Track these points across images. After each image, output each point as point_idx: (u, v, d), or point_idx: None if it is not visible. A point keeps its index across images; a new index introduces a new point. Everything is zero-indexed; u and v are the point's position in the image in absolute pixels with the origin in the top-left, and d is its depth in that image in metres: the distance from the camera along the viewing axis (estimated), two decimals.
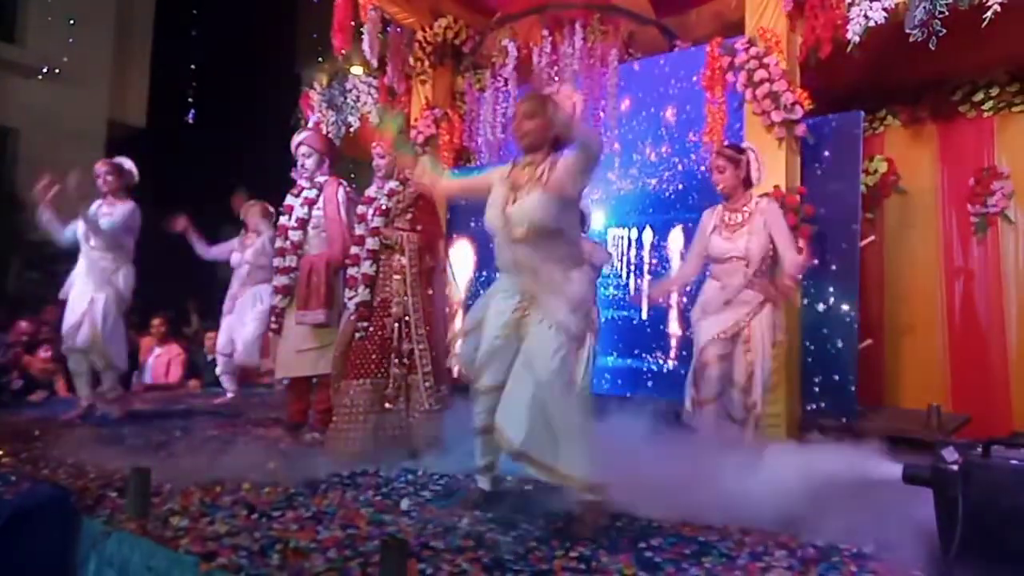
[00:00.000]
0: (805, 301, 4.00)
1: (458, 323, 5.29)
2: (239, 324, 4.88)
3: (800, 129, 3.92)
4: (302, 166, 3.82)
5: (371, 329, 3.23)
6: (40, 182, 3.96)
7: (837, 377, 3.90)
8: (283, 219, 3.81)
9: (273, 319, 3.76)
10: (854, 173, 4.01)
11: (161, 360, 6.39)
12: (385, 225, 3.29)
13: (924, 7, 3.38)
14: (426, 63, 5.66)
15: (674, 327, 4.51)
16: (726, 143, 3.75)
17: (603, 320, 4.56)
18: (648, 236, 4.75)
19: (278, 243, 3.79)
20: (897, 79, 4.56)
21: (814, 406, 3.94)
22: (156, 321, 6.29)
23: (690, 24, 4.99)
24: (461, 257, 5.51)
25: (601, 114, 4.80)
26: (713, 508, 2.29)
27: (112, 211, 4.15)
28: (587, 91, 4.72)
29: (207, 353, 6.48)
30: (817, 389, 3.96)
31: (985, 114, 4.59)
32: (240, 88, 11.32)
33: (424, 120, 5.60)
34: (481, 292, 5.40)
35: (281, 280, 3.70)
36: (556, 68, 4.93)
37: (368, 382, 3.18)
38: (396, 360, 3.20)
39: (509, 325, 2.34)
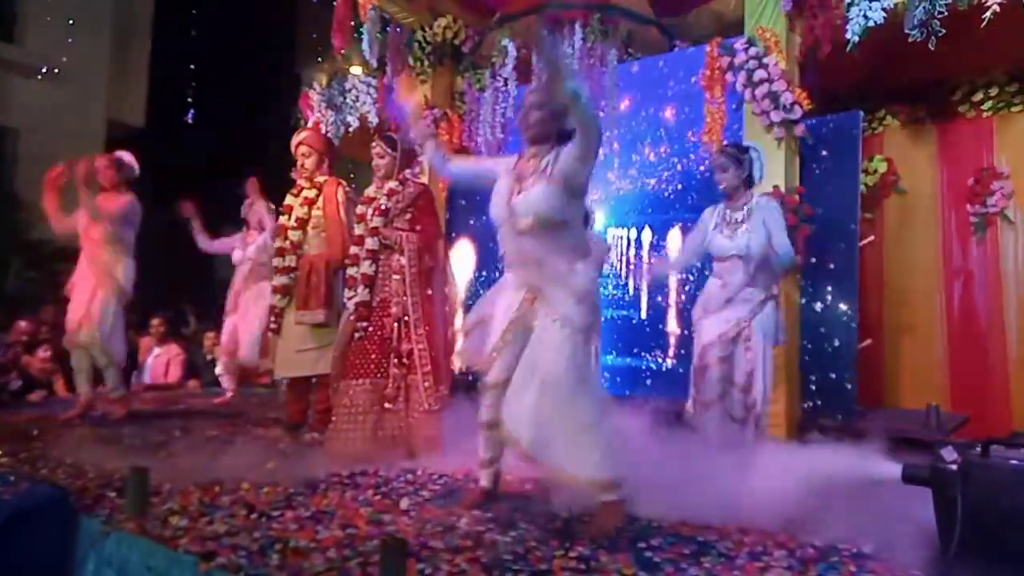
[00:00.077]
0: (803, 300, 4.01)
1: (458, 322, 5.30)
2: (243, 322, 4.85)
3: (799, 129, 3.92)
4: (301, 166, 3.82)
5: (370, 329, 3.23)
6: (52, 170, 4.05)
7: (836, 377, 3.91)
8: (282, 219, 3.81)
9: (272, 319, 3.76)
10: (853, 173, 4.02)
11: (160, 360, 6.39)
12: (384, 225, 3.29)
13: (923, 7, 3.38)
14: (426, 63, 5.66)
15: (673, 326, 4.51)
16: (729, 142, 3.75)
17: (603, 319, 4.56)
18: (647, 236, 4.75)
19: (277, 243, 3.78)
20: (896, 79, 4.56)
21: (813, 405, 3.95)
22: (155, 321, 6.29)
23: (689, 24, 5.00)
24: (461, 257, 5.50)
25: (600, 114, 4.79)
26: (711, 508, 2.29)
27: (111, 202, 4.16)
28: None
29: (206, 353, 6.48)
30: (816, 389, 3.96)
31: (984, 114, 4.60)
32: (239, 88, 11.33)
33: (423, 120, 5.59)
34: (481, 291, 5.45)
35: (280, 280, 3.70)
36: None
37: (367, 382, 3.18)
38: (395, 360, 3.20)
39: (516, 319, 2.34)
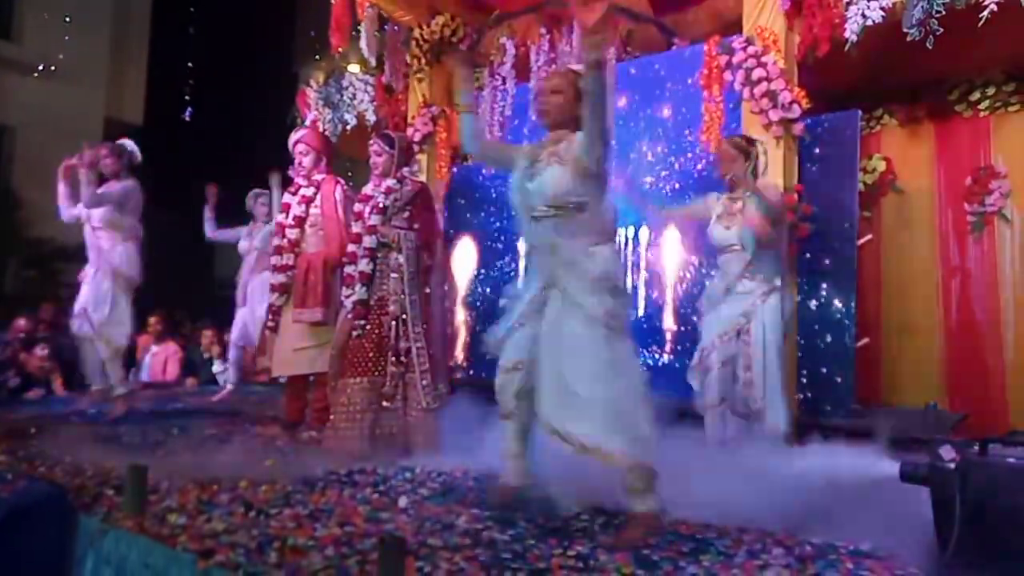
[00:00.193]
0: (800, 299, 4.01)
1: (459, 318, 5.30)
2: (252, 313, 4.83)
3: (797, 128, 3.92)
4: (299, 164, 3.81)
5: (368, 327, 3.23)
6: (67, 160, 4.12)
7: (834, 375, 3.91)
8: (280, 217, 3.81)
9: (270, 317, 3.76)
10: (851, 172, 4.02)
11: (158, 358, 6.38)
12: (382, 223, 3.28)
13: (922, 6, 3.39)
14: (423, 61, 5.65)
15: (669, 322, 4.52)
16: (737, 133, 3.72)
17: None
18: (644, 235, 4.75)
19: (275, 241, 3.78)
20: (894, 78, 4.57)
21: (811, 404, 3.95)
22: (152, 319, 6.29)
23: (688, 22, 4.99)
24: (462, 255, 5.50)
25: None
26: (705, 507, 2.29)
27: (111, 188, 4.15)
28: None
29: (203, 351, 6.48)
30: (814, 387, 3.96)
31: (981, 113, 4.60)
32: (237, 86, 11.32)
33: (421, 118, 5.59)
34: (480, 289, 5.45)
35: (278, 278, 3.70)
36: (554, 66, 4.92)
37: (365, 380, 3.18)
38: (393, 358, 3.20)
39: (532, 303, 2.28)
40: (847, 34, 3.69)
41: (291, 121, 6.29)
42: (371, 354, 3.20)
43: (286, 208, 3.78)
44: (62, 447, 3.19)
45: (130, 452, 3.13)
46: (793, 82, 3.97)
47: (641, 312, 4.69)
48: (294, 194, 3.79)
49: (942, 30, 3.33)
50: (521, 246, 5.28)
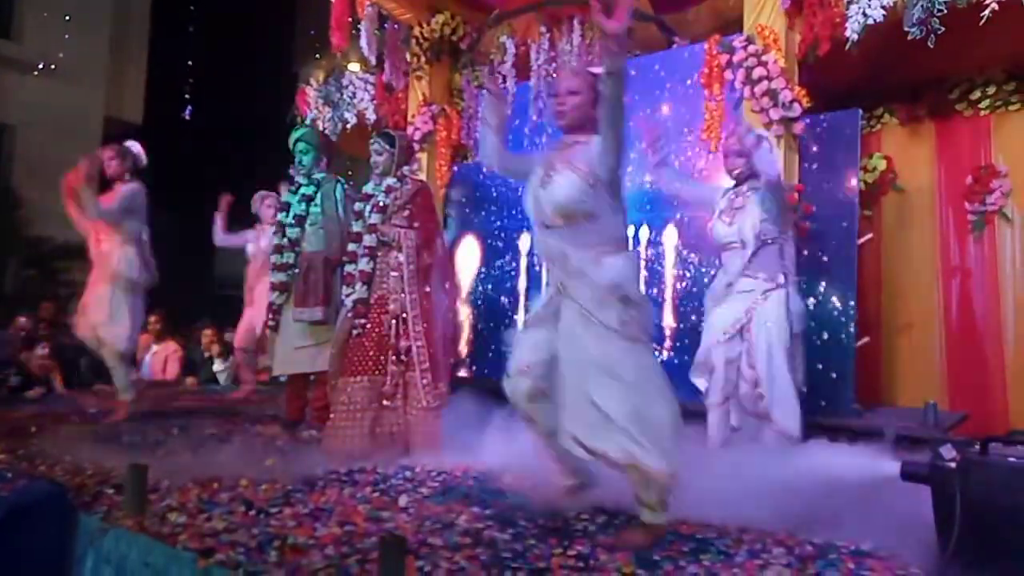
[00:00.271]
0: (800, 298, 4.01)
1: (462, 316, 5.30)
2: (258, 315, 4.81)
3: (798, 127, 3.92)
4: (299, 163, 3.81)
5: (368, 326, 3.23)
6: (68, 177, 4.04)
7: (834, 375, 3.90)
8: (280, 216, 3.80)
9: (270, 316, 3.76)
10: (852, 171, 4.01)
11: (158, 357, 6.38)
12: (382, 222, 3.28)
13: (923, 5, 3.38)
14: (423, 59, 5.64)
15: (669, 319, 4.51)
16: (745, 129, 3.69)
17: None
18: (644, 233, 4.75)
19: (275, 240, 3.78)
20: (895, 77, 4.56)
21: (810, 403, 3.94)
22: (152, 318, 6.28)
23: (688, 21, 4.99)
24: (466, 254, 5.50)
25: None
26: (710, 505, 2.29)
27: (113, 192, 4.12)
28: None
29: (203, 350, 6.48)
30: (814, 386, 3.96)
31: (982, 112, 4.60)
32: (237, 85, 11.31)
33: (422, 117, 5.59)
34: (480, 287, 5.45)
35: (278, 277, 3.70)
36: (554, 65, 4.92)
37: (365, 379, 3.18)
38: (394, 357, 3.20)
39: (545, 307, 2.24)
40: (848, 33, 3.69)
41: (291, 120, 6.28)
42: (371, 353, 3.20)
43: (286, 207, 3.78)
44: (62, 446, 3.19)
45: (130, 451, 3.13)
46: (794, 81, 3.96)
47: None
48: (294, 193, 3.79)
49: (943, 29, 3.32)
50: (523, 245, 5.29)
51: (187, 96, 11.95)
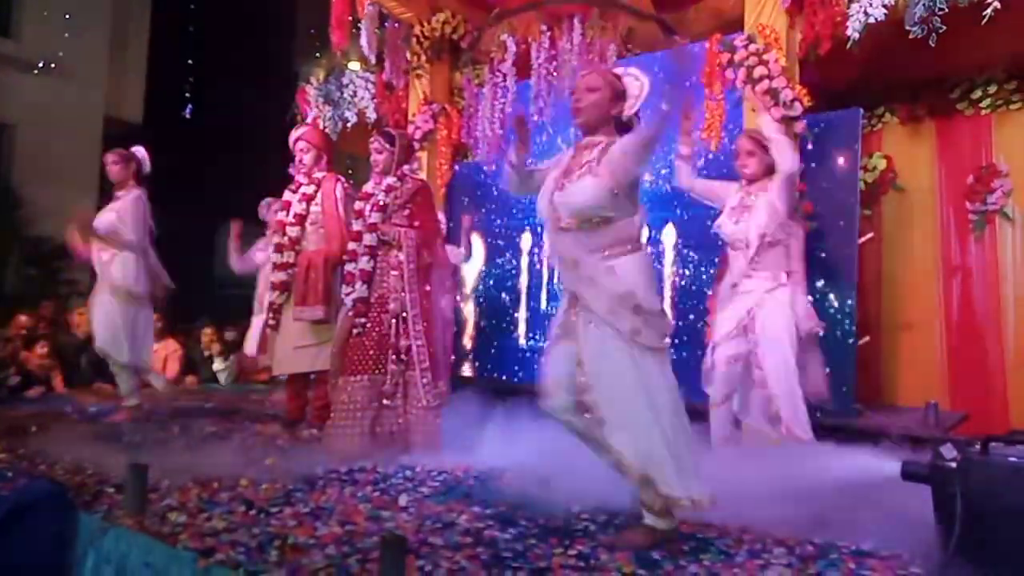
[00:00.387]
0: None
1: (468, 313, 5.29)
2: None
3: (799, 126, 3.91)
4: (300, 161, 3.81)
5: (369, 325, 3.23)
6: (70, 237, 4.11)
7: (834, 374, 3.89)
8: (280, 215, 3.80)
9: (270, 315, 3.75)
10: (852, 170, 4.01)
11: (158, 356, 6.35)
12: (383, 221, 3.28)
13: (924, 4, 3.38)
14: (424, 58, 5.64)
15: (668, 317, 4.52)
16: (755, 129, 3.67)
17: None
18: (644, 232, 4.74)
19: (275, 239, 3.77)
20: (896, 76, 4.56)
21: (810, 403, 3.94)
22: (153, 317, 6.27)
23: (689, 20, 4.98)
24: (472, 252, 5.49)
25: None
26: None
27: (115, 203, 4.10)
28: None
29: (204, 349, 6.47)
30: None
31: (983, 112, 4.59)
32: (237, 83, 11.29)
33: (422, 115, 5.58)
34: (482, 287, 5.44)
35: (279, 276, 3.70)
36: (555, 63, 4.91)
37: (366, 378, 3.18)
38: (394, 356, 3.20)
39: (562, 321, 2.20)
40: (849, 32, 3.68)
41: (291, 119, 6.28)
42: (371, 352, 3.20)
43: (287, 206, 3.78)
44: (62, 445, 3.19)
45: (131, 450, 3.13)
46: (794, 80, 3.96)
47: None
48: (295, 192, 3.79)
49: (944, 28, 3.32)
50: (524, 244, 5.29)
51: (187, 95, 11.93)
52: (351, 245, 3.37)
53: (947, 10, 3.31)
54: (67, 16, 9.94)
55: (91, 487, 2.49)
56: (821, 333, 3.07)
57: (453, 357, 4.69)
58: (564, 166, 2.22)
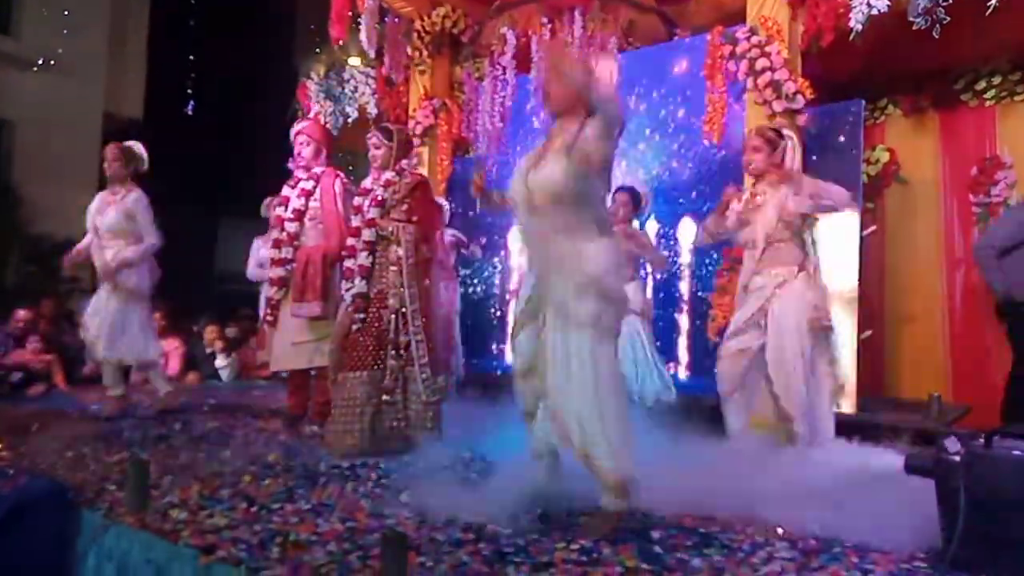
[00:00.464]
0: None
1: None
2: None
3: (801, 118, 3.89)
4: (299, 155, 3.79)
5: (368, 321, 3.22)
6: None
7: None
8: (279, 210, 3.78)
9: (268, 311, 3.74)
10: (855, 162, 3.99)
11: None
12: (381, 216, 3.26)
13: None
14: (424, 53, 5.61)
15: (684, 321, 4.51)
16: (767, 124, 3.63)
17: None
18: (653, 228, 4.74)
19: (274, 235, 3.76)
20: (899, 68, 4.53)
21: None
22: (156, 315, 6.27)
23: (690, 12, 4.95)
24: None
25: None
26: (713, 499, 2.28)
27: (115, 199, 4.08)
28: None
29: (206, 347, 6.47)
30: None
31: (987, 103, 4.57)
32: (237, 79, 11.27)
33: (423, 111, 5.56)
34: (481, 283, 5.44)
35: (277, 272, 3.68)
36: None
37: (365, 374, 3.17)
38: (393, 352, 3.19)
39: (528, 306, 2.29)
40: (852, 23, 3.66)
41: (292, 114, 6.26)
42: (371, 348, 3.19)
43: (285, 201, 3.76)
44: (64, 443, 3.19)
45: (132, 447, 3.13)
46: (797, 72, 3.94)
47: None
48: (293, 187, 3.77)
49: (948, 19, 3.29)
50: (515, 239, 5.28)
51: (187, 91, 11.91)
52: (350, 241, 3.35)
53: (951, 1, 3.28)
54: (66, 13, 9.91)
55: (92, 485, 2.49)
56: (830, 326, 3.03)
57: (461, 357, 4.68)
58: (538, 150, 2.30)
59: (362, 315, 3.22)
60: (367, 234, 3.25)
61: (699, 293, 4.44)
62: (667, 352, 4.43)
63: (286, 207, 3.73)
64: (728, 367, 3.02)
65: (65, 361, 5.53)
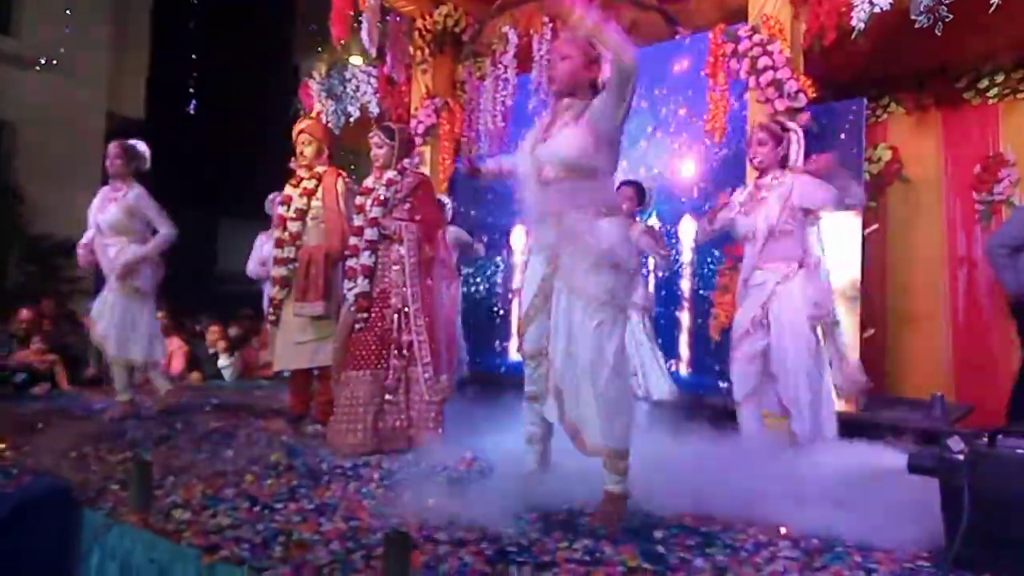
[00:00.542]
0: None
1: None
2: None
3: (803, 117, 3.88)
4: (300, 154, 3.79)
5: (370, 320, 3.22)
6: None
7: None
8: (281, 210, 3.79)
9: (271, 310, 3.74)
10: (857, 161, 3.98)
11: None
12: (383, 215, 3.27)
13: None
14: (426, 52, 5.61)
15: (685, 318, 4.51)
16: (772, 118, 3.63)
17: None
18: (655, 224, 4.72)
19: (276, 234, 3.76)
20: (901, 66, 4.52)
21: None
22: (159, 314, 6.27)
23: (692, 11, 4.94)
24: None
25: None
26: (716, 499, 2.28)
27: (117, 196, 4.08)
28: None
29: (209, 346, 6.48)
30: None
31: (990, 101, 4.55)
32: (239, 79, 11.28)
33: (424, 110, 5.56)
34: (484, 282, 5.44)
35: (279, 271, 3.68)
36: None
37: (368, 373, 3.17)
38: (396, 351, 3.19)
39: (542, 288, 2.28)
40: (854, 22, 3.65)
41: (295, 114, 6.26)
42: (374, 347, 3.19)
43: (287, 201, 3.76)
44: (67, 442, 3.19)
45: (134, 447, 3.13)
46: (799, 70, 3.93)
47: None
48: (295, 186, 3.77)
49: (951, 16, 3.28)
50: (517, 237, 5.27)
51: (189, 91, 11.92)
52: (352, 240, 3.36)
53: None
54: (68, 12, 9.91)
55: (95, 484, 2.49)
56: (835, 320, 3.02)
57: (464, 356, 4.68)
58: (543, 124, 2.30)
59: (365, 314, 3.22)
60: (369, 233, 3.25)
61: (700, 291, 4.43)
62: (668, 349, 4.42)
63: (288, 206, 3.73)
64: (742, 372, 3.01)
65: (68, 361, 5.53)
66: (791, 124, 3.22)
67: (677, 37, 4.77)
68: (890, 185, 4.89)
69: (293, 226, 3.68)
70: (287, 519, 2.14)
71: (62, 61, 9.82)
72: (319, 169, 3.77)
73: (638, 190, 3.99)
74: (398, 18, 5.70)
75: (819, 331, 2.95)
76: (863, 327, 3.97)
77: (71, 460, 2.88)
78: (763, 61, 3.90)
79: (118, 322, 3.96)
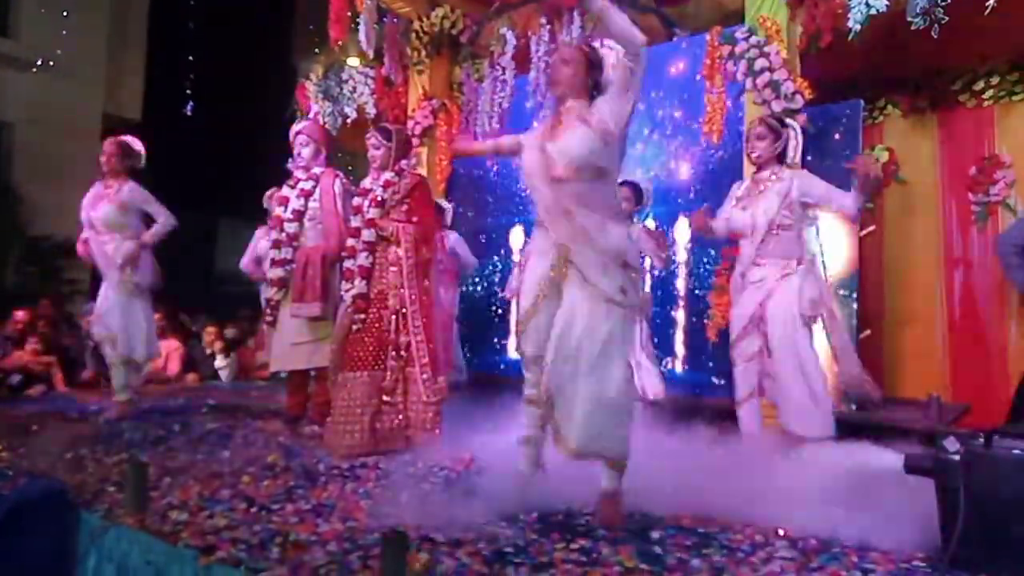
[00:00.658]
0: None
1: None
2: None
3: (800, 118, 3.88)
4: (298, 155, 3.79)
5: (368, 321, 3.22)
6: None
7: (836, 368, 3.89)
8: (278, 211, 3.78)
9: (268, 312, 3.74)
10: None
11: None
12: (381, 216, 3.27)
13: None
14: (423, 53, 5.61)
15: (680, 315, 4.51)
16: (772, 113, 3.63)
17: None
18: (650, 226, 4.72)
19: (273, 235, 3.76)
20: (898, 68, 4.53)
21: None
22: (156, 315, 6.26)
23: (689, 13, 4.95)
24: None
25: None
26: (713, 500, 2.28)
27: (109, 192, 4.07)
28: None
29: (205, 347, 6.48)
30: None
31: (985, 103, 4.56)
32: (236, 80, 11.27)
33: (422, 111, 5.56)
34: (481, 282, 5.44)
35: (276, 272, 3.68)
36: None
37: (365, 374, 3.17)
38: (393, 352, 3.19)
39: (545, 288, 2.27)
40: (850, 23, 3.65)
41: (291, 114, 6.25)
42: (371, 348, 3.19)
43: (284, 202, 3.76)
44: (63, 444, 3.19)
45: (131, 448, 3.13)
46: (796, 72, 3.94)
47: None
48: (292, 188, 3.77)
49: (947, 18, 3.29)
50: (516, 238, 5.27)
51: (186, 92, 11.92)
52: (349, 241, 3.36)
53: (949, 0, 3.28)
54: (65, 14, 9.90)
55: (92, 486, 2.49)
56: (826, 316, 3.01)
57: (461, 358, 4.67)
58: (548, 124, 2.32)
59: (362, 316, 3.22)
60: (367, 234, 3.25)
61: (696, 291, 4.44)
62: (663, 347, 4.43)
63: (285, 207, 3.73)
64: (743, 373, 3.02)
65: (64, 363, 5.53)
66: (790, 120, 3.22)
67: (674, 40, 4.78)
68: (887, 186, 4.90)
69: (290, 227, 3.68)
70: (284, 520, 2.14)
71: (60, 62, 9.80)
72: (316, 170, 3.77)
73: (635, 190, 3.99)
74: (395, 19, 5.70)
75: (822, 328, 2.95)
76: (860, 327, 3.97)
77: (67, 462, 2.88)
78: (760, 63, 3.90)
79: (120, 319, 3.96)
